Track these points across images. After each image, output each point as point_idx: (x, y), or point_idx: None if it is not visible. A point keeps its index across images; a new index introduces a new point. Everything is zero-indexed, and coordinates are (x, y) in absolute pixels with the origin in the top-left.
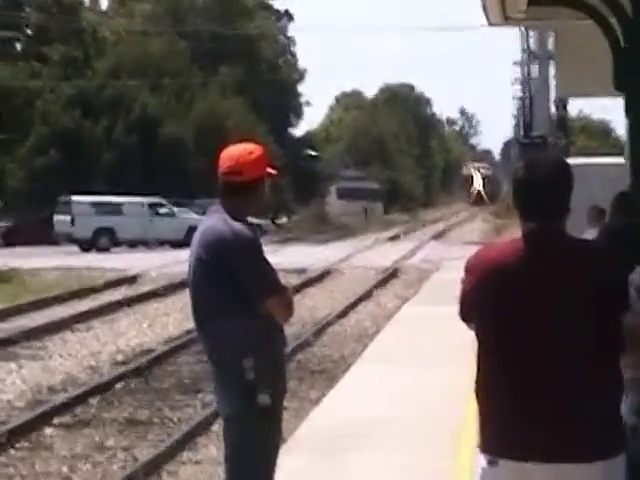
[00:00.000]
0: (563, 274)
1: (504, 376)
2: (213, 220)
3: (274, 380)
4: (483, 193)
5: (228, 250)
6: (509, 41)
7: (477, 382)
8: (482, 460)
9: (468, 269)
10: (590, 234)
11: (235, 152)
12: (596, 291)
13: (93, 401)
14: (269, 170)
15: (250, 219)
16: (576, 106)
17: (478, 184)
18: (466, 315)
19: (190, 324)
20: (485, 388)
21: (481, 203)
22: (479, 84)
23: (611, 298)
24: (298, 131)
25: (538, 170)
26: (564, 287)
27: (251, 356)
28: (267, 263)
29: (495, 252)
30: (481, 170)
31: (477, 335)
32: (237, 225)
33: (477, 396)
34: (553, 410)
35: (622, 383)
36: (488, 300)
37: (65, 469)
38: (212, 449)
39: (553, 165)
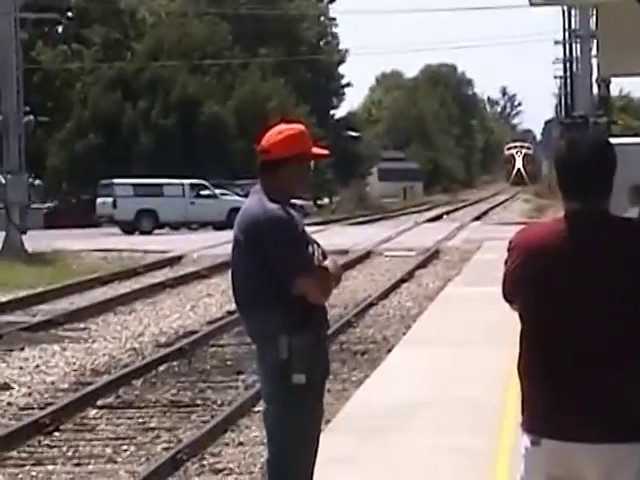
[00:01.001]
0: (607, 255)
1: (546, 357)
2: (251, 201)
3: (310, 360)
4: (524, 173)
5: (261, 230)
6: (551, 21)
7: (519, 363)
8: (525, 440)
9: (512, 249)
10: (632, 213)
11: (270, 132)
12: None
13: (136, 383)
14: (314, 150)
15: (292, 201)
16: (617, 85)
17: (519, 164)
18: (509, 295)
19: (232, 306)
20: (528, 369)
21: (522, 183)
22: (521, 64)
23: None
24: (339, 112)
25: (581, 149)
26: (608, 268)
27: (286, 335)
28: (303, 243)
29: (539, 232)
30: (522, 150)
31: (520, 316)
32: (271, 205)
33: (520, 377)
34: (595, 391)
35: None
36: (531, 280)
37: (109, 450)
38: (255, 430)
39: (596, 144)
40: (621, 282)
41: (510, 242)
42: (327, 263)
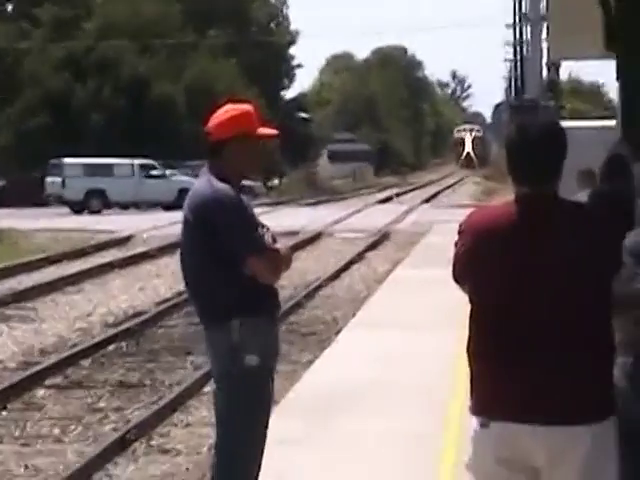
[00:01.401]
0: (556, 238)
1: (496, 339)
2: (200, 182)
3: (262, 341)
4: (473, 155)
5: (209, 210)
6: (502, 4)
7: (469, 345)
8: (474, 422)
9: (462, 231)
10: (580, 197)
11: (216, 112)
12: (590, 255)
13: (85, 363)
14: (260, 131)
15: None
16: (566, 68)
17: (468, 147)
18: (459, 277)
19: (181, 286)
20: (477, 351)
21: (471, 166)
22: (471, 47)
23: (605, 261)
24: (289, 94)
25: (531, 133)
26: (557, 251)
27: (238, 317)
28: (252, 224)
29: (489, 215)
30: (472, 133)
31: (470, 298)
32: (219, 185)
33: (469, 359)
34: (544, 374)
35: (614, 348)
36: (481, 263)
37: (57, 431)
38: (203, 411)
39: (546, 128)
40: (570, 265)
41: (460, 225)
42: (278, 246)
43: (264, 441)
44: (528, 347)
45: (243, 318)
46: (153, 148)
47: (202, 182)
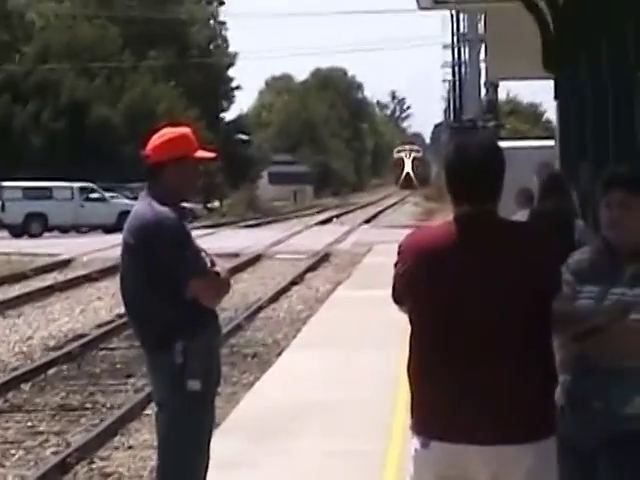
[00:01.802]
0: (496, 257)
1: (436, 359)
2: (140, 205)
3: (205, 365)
4: (413, 176)
5: (150, 234)
6: (440, 25)
7: (409, 365)
8: (415, 442)
9: (401, 252)
10: (519, 216)
11: (154, 136)
12: (530, 273)
13: (25, 387)
14: (198, 154)
15: (182, 204)
16: (504, 88)
17: (408, 167)
18: (399, 297)
19: (122, 309)
20: (417, 371)
21: (410, 186)
22: (410, 68)
23: (545, 280)
24: (229, 115)
25: (469, 153)
26: (498, 270)
27: (180, 340)
28: (192, 247)
29: (428, 235)
30: (411, 153)
31: (410, 318)
32: (160, 209)
33: (409, 379)
34: (485, 393)
35: (554, 366)
36: (421, 283)
37: None
38: (145, 434)
39: (484, 148)
40: (510, 283)
41: (400, 245)
42: (217, 269)
43: (207, 464)
44: (467, 366)
45: (185, 341)
46: (93, 170)
47: (142, 205)
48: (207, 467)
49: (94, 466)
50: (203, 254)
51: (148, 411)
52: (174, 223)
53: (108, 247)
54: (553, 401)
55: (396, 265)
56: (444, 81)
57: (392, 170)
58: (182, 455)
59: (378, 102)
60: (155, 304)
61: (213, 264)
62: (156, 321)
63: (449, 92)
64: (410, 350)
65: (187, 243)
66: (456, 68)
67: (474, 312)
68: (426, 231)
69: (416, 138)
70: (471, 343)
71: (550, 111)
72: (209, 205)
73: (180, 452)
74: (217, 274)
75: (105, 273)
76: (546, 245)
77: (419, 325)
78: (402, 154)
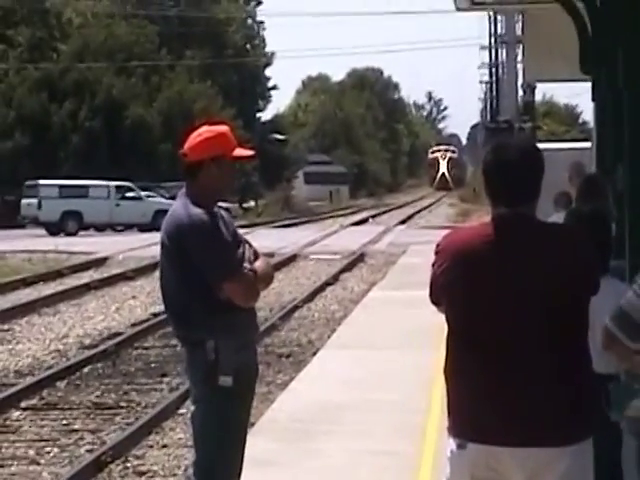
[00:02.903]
0: (532, 258)
1: (473, 360)
2: (177, 205)
3: (237, 362)
4: (448, 177)
5: (183, 236)
6: (477, 26)
7: (446, 366)
8: (451, 443)
9: (438, 252)
10: (556, 218)
11: (192, 134)
12: (566, 275)
13: (60, 384)
14: (236, 152)
15: (220, 204)
16: (540, 90)
17: (443, 168)
18: (436, 298)
19: (157, 308)
20: (454, 372)
21: (446, 187)
22: (447, 69)
23: (581, 282)
24: (265, 115)
25: (507, 154)
26: (534, 272)
27: (213, 338)
28: (227, 247)
29: (465, 236)
30: (447, 154)
31: (447, 319)
32: (194, 211)
33: (446, 380)
34: (519, 395)
35: (590, 367)
36: (458, 284)
37: (32, 452)
38: (179, 433)
39: (523, 149)
40: (547, 286)
41: (437, 246)
42: (258, 264)
43: (241, 462)
44: (504, 368)
45: (218, 339)
46: (130, 169)
47: (178, 206)
48: (242, 464)
49: (128, 464)
50: (242, 250)
51: (182, 410)
52: (206, 225)
53: (144, 246)
54: (590, 403)
55: (433, 265)
56: (481, 82)
57: (427, 171)
58: (216, 452)
59: (415, 103)
60: (188, 303)
61: (257, 256)
62: (189, 319)
63: (486, 93)
64: (447, 351)
65: (221, 244)
66: (493, 69)
67: (510, 314)
68: (463, 232)
69: (452, 139)
70: (506, 345)
71: (586, 113)
72: (245, 205)
73: (214, 449)
74: (253, 272)
75: (140, 272)
76: (582, 247)
77: (455, 326)
78: (437, 154)
